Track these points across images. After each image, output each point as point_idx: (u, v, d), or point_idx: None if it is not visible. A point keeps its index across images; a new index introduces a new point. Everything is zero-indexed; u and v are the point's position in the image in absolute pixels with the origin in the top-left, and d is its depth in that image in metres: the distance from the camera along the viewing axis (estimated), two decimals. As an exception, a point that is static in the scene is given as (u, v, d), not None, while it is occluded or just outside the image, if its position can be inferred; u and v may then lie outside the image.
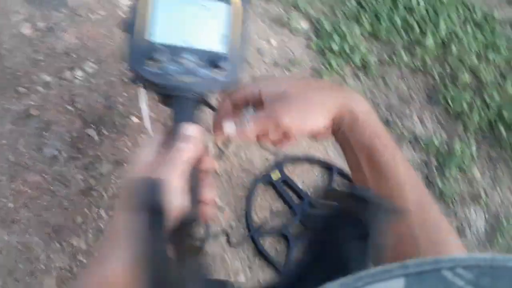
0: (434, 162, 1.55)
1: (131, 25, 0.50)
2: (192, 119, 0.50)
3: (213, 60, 0.51)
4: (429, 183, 1.49)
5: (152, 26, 0.50)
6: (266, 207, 1.30)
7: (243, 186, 1.31)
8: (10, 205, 1.15)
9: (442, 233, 0.48)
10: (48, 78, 1.37)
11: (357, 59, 1.75)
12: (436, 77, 1.83)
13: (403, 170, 0.46)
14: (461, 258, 0.21)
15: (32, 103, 1.31)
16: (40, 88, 1.34)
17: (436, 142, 1.57)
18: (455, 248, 0.48)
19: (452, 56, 1.88)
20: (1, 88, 1.30)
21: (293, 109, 0.46)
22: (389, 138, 0.48)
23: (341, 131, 0.47)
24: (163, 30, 0.50)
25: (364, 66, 1.78)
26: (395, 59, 1.84)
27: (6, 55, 1.35)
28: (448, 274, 0.20)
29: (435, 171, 1.54)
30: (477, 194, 1.52)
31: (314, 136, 0.51)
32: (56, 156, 1.26)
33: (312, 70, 1.70)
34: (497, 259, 0.21)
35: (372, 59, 1.79)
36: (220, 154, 1.23)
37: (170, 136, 0.48)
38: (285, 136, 0.51)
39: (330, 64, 1.71)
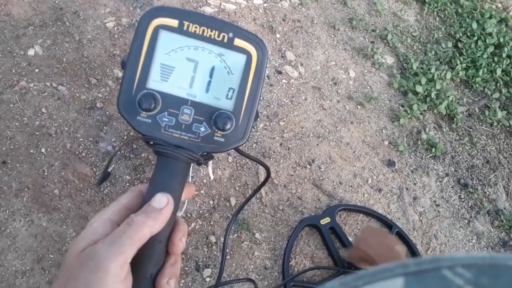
0: (514, 243, 1.32)
1: (127, 64, 0.42)
2: (171, 184, 0.42)
3: (214, 118, 0.43)
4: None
5: (149, 70, 0.43)
6: (308, 253, 1.17)
7: (287, 224, 1.21)
8: (56, 191, 1.16)
9: None
10: (120, 74, 1.38)
11: (442, 107, 1.57)
12: (535, 143, 1.58)
13: None
14: (461, 257, 0.21)
15: (100, 95, 1.32)
16: (110, 82, 1.35)
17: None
18: None
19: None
20: (75, 75, 1.33)
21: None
22: None
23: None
24: (161, 76, 0.43)
25: (450, 116, 1.59)
26: (487, 114, 1.63)
27: (86, 44, 1.39)
28: (447, 273, 0.20)
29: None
30: None
31: None
32: (110, 152, 1.25)
33: (390, 110, 1.55)
34: (496, 258, 0.20)
35: (460, 110, 1.60)
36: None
37: (142, 199, 0.41)
38: None
39: (411, 108, 1.55)
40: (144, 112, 0.42)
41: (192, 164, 0.45)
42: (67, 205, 1.15)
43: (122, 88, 0.43)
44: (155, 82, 0.43)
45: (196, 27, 0.42)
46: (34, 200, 1.12)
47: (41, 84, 1.27)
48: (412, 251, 1.21)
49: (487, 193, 1.42)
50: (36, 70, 1.29)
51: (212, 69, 0.43)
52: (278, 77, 1.52)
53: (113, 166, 1.23)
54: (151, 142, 0.43)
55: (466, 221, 1.35)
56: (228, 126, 0.43)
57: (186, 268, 1.09)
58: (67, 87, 1.29)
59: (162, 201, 0.40)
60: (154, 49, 0.42)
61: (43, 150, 1.18)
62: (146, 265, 0.39)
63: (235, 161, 1.29)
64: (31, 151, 1.17)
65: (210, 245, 1.14)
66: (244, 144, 1.33)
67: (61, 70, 1.31)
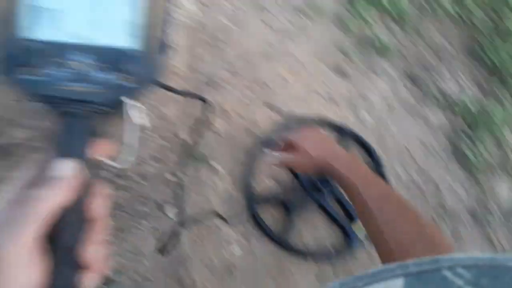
0: (463, 125, 1.36)
1: None
2: (77, 146, 0.36)
3: (117, 59, 0.37)
4: (455, 149, 1.32)
5: (23, 16, 0.35)
6: (268, 172, 1.18)
7: (245, 149, 1.20)
8: None
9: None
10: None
11: (386, 3, 1.52)
12: (478, 25, 1.57)
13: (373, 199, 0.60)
14: (461, 258, 0.21)
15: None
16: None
17: (468, 102, 1.37)
18: None
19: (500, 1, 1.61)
20: None
21: (299, 157, 0.79)
22: (364, 176, 0.66)
23: (327, 172, 0.73)
24: (39, 21, 0.36)
25: (396, 12, 1.54)
26: (433, 4, 1.59)
27: None
28: (447, 274, 0.20)
29: (462, 135, 1.36)
30: (506, 162, 1.34)
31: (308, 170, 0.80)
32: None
33: (336, 17, 1.48)
34: (496, 259, 0.21)
35: (404, 1, 1.55)
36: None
37: (44, 170, 0.36)
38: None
39: (356, 10, 1.49)
40: (25, 68, 0.36)
41: (103, 117, 0.40)
42: None
43: None
44: (33, 28, 0.36)
45: None
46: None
47: None
48: (369, 153, 1.24)
49: (436, 81, 1.43)
50: None
51: (102, 2, 0.36)
52: (212, -2, 1.41)
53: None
54: (44, 103, 0.37)
55: (419, 113, 1.37)
56: (133, 67, 0.37)
57: (148, 211, 1.09)
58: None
59: (65, 167, 0.35)
60: None
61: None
62: (63, 239, 0.35)
63: (181, 97, 1.24)
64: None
65: (168, 183, 1.12)
66: (184, 76, 1.27)
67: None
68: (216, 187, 1.14)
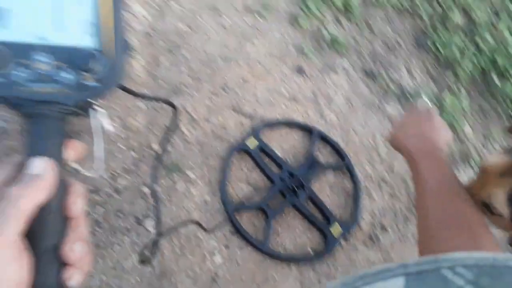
0: (422, 118, 1.45)
1: None
2: (49, 146, 0.37)
3: (80, 60, 0.37)
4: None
5: None
6: (243, 178, 1.20)
7: (217, 156, 1.21)
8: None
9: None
10: None
11: (338, 1, 1.57)
12: (425, 18, 1.67)
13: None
14: (461, 258, 0.21)
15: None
16: None
17: (425, 95, 1.46)
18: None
19: (443, -6, 1.71)
20: None
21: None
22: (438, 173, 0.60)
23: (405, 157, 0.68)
24: None
25: (346, 9, 1.60)
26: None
27: None
28: (448, 273, 0.20)
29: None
30: (467, 153, 1.45)
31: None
32: (5, 129, 1.12)
33: (289, 15, 1.52)
34: (497, 259, 0.21)
35: (356, 1, 1.61)
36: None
37: (18, 171, 0.36)
38: None
39: (308, 7, 1.53)
40: None
41: (72, 117, 0.40)
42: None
43: None
44: None
45: None
46: None
47: None
48: (337, 150, 1.28)
49: (391, 75, 1.51)
50: None
51: (59, 2, 0.36)
52: (166, 2, 1.39)
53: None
54: (6, 104, 0.36)
55: (378, 107, 1.44)
56: (96, 67, 0.37)
57: (128, 226, 1.07)
58: None
59: (40, 166, 0.35)
60: None
61: None
62: (43, 238, 0.35)
63: (147, 106, 1.22)
64: None
65: (145, 196, 1.11)
66: (146, 84, 1.25)
67: None
68: (192, 196, 1.15)
